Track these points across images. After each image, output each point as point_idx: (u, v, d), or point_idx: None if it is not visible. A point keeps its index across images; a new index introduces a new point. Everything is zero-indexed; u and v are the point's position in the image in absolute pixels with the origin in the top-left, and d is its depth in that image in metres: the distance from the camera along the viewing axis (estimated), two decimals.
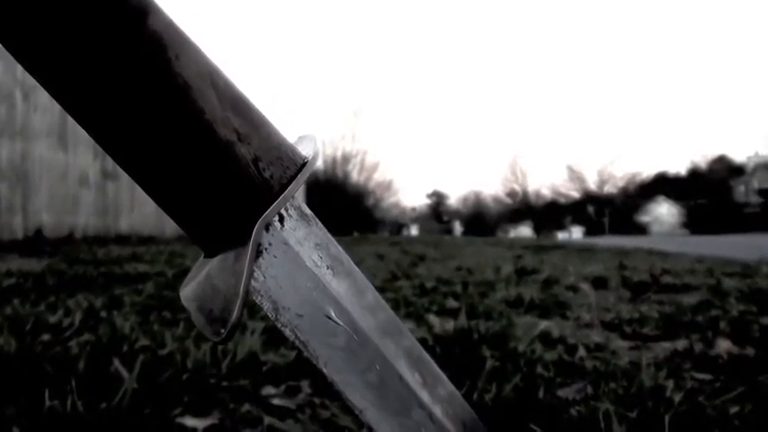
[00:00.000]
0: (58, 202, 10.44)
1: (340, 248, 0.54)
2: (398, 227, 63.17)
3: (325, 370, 0.51)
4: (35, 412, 1.19)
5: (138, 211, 12.78)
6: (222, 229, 0.47)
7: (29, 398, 1.27)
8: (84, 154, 11.11)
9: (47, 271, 4.32)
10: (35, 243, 8.81)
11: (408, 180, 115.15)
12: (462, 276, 4.55)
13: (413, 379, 0.55)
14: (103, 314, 2.35)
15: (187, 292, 0.50)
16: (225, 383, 1.45)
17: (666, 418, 1.17)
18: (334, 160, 52.33)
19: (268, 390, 1.45)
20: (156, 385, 1.36)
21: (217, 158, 0.45)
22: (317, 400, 1.38)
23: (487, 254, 9.07)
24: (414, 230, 62.21)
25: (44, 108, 9.93)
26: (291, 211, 0.50)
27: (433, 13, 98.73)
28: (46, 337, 1.86)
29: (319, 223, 0.53)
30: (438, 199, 73.97)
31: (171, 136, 0.43)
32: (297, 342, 0.50)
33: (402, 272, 4.99)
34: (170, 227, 13.69)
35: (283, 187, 0.48)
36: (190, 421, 1.23)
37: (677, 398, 1.27)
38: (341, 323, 0.51)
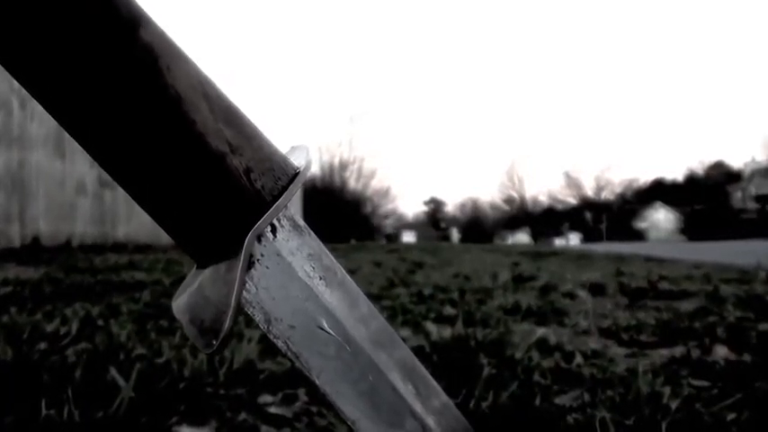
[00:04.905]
0: (55, 210, 10.43)
1: (333, 259, 0.54)
2: (396, 234, 63.17)
3: (317, 381, 0.51)
4: (32, 421, 1.19)
5: (135, 219, 12.77)
6: (214, 240, 0.47)
7: (26, 406, 1.26)
8: (82, 162, 11.11)
9: (44, 279, 4.31)
10: (32, 251, 8.80)
11: (406, 187, 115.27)
12: (460, 283, 4.55)
13: (406, 389, 0.54)
14: (100, 323, 2.35)
15: (179, 303, 0.50)
16: (222, 392, 1.45)
17: (663, 425, 1.17)
18: (331, 167, 52.39)
19: (265, 398, 1.45)
20: (152, 394, 1.36)
21: (209, 169, 0.45)
22: (313, 409, 1.38)
23: (485, 261, 9.07)
24: (411, 237, 62.20)
25: (41, 116, 9.93)
26: (284, 222, 0.50)
27: (430, 18, 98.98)
28: (43, 345, 1.86)
29: (312, 234, 0.53)
30: (435, 206, 74.10)
31: (163, 147, 0.43)
32: (289, 353, 0.50)
33: (399, 279, 4.99)
34: (166, 235, 13.69)
35: (275, 198, 0.48)
36: (186, 430, 1.23)
37: (674, 405, 1.27)
38: (333, 334, 0.51)
